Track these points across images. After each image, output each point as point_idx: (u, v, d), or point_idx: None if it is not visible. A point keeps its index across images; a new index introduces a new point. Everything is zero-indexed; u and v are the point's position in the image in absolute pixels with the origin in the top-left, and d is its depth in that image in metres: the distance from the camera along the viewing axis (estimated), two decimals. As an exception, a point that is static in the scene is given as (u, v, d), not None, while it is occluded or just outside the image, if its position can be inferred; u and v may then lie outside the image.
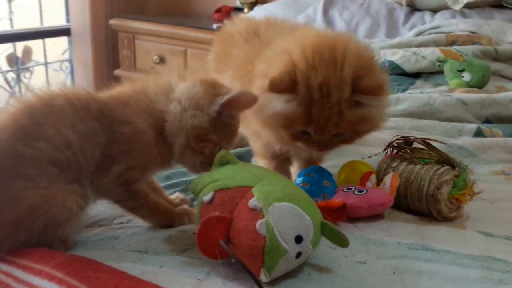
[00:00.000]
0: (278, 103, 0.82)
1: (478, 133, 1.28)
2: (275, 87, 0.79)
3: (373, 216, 0.86)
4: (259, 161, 1.01)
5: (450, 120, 1.36)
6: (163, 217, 0.83)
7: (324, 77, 0.79)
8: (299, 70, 0.80)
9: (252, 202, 0.67)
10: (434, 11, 2.02)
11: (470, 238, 0.80)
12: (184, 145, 0.81)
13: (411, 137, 0.92)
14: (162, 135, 0.81)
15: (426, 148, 0.89)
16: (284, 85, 0.79)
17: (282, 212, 0.67)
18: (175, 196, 0.93)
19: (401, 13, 2.02)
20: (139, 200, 0.81)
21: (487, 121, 1.38)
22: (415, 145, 0.93)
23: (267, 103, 0.82)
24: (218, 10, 2.77)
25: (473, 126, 1.30)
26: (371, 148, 1.13)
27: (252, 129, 0.92)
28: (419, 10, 2.04)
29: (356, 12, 2.04)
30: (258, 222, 0.65)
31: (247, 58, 0.93)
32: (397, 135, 0.94)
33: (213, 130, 0.80)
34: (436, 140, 0.90)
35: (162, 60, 2.64)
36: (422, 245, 0.77)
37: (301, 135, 0.84)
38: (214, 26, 2.56)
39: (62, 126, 0.73)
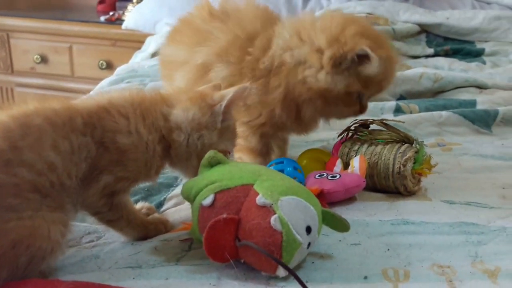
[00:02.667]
0: (368, 68, 0.88)
1: (398, 110, 1.38)
2: (375, 51, 0.87)
3: (346, 199, 0.89)
4: (251, 159, 1.00)
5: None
6: (139, 229, 0.80)
7: (388, 44, 0.93)
8: (375, 36, 0.91)
9: (260, 199, 0.67)
10: (331, -5, 2.12)
11: (439, 208, 0.87)
12: (198, 166, 0.77)
13: (369, 120, 0.97)
14: (166, 152, 0.78)
15: (385, 129, 0.95)
16: (380, 51, 0.88)
17: (290, 205, 0.67)
18: (141, 205, 0.88)
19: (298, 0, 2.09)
20: (119, 212, 0.76)
21: (401, 97, 1.49)
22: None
23: (337, 74, 0.89)
24: (102, 1, 2.62)
25: (392, 104, 1.40)
26: (315, 134, 1.18)
27: (258, 121, 0.96)
28: (314, -5, 2.13)
29: (256, 0, 2.06)
30: (272, 218, 0.65)
31: (236, 42, 0.94)
32: (355, 119, 0.99)
33: (220, 140, 0.79)
34: (394, 120, 0.96)
35: (44, 60, 2.44)
36: (402, 220, 0.83)
37: (355, 102, 0.93)
38: (102, 18, 2.42)
39: (43, 149, 0.66)
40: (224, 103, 0.78)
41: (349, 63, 0.88)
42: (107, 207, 0.75)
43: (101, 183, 0.72)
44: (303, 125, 0.97)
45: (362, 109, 0.95)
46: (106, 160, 0.72)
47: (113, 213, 0.76)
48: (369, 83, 0.90)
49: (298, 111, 0.94)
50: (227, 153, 0.81)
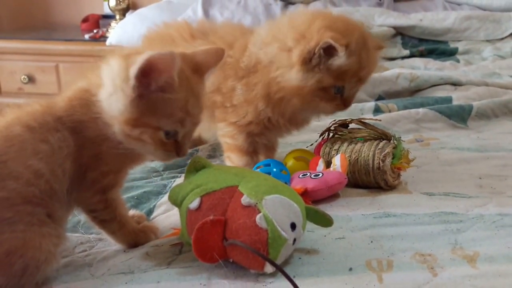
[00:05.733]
0: (336, 60, 0.89)
1: (377, 110, 1.42)
2: (339, 41, 0.87)
3: (330, 196, 0.92)
4: (239, 157, 1.03)
5: (348, 101, 1.49)
6: (130, 235, 0.81)
7: (359, 30, 0.93)
8: (341, 28, 0.91)
9: (245, 199, 0.69)
10: (307, 3, 2.16)
11: (419, 200, 0.90)
12: (123, 135, 0.70)
13: (347, 120, 1.01)
14: None
15: (364, 127, 0.98)
16: (343, 39, 0.88)
17: (274, 203, 0.70)
18: (132, 214, 0.90)
19: (277, 8, 2.13)
20: (114, 211, 0.78)
21: (380, 98, 1.54)
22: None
23: (308, 71, 0.90)
24: (85, 20, 2.65)
25: (372, 104, 1.45)
26: (297, 136, 1.21)
27: (246, 119, 0.98)
28: (292, 3, 2.17)
29: (236, 11, 2.10)
30: (257, 216, 0.68)
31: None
32: (334, 120, 1.02)
33: (146, 112, 0.68)
34: (371, 119, 0.99)
35: (31, 80, 2.45)
36: (384, 213, 0.86)
37: (335, 96, 0.93)
38: (86, 36, 2.44)
39: (27, 158, 0.68)
40: (135, 68, 0.65)
41: (318, 59, 0.89)
42: (102, 204, 0.76)
43: (88, 178, 0.73)
44: (292, 120, 1.00)
45: (346, 103, 0.95)
46: (86, 156, 0.72)
47: (107, 211, 0.77)
48: (344, 75, 0.91)
49: (282, 107, 0.96)
50: (158, 130, 0.70)
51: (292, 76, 0.91)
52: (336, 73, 0.90)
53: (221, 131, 1.03)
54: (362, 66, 0.92)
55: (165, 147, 0.72)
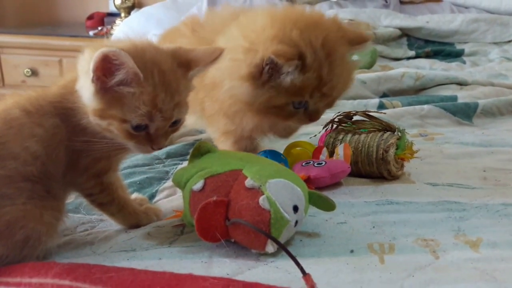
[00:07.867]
0: (287, 76, 0.78)
1: (381, 106, 1.42)
2: (283, 56, 0.75)
3: (333, 184, 0.92)
4: None
5: (352, 98, 1.49)
6: (131, 216, 0.81)
7: (323, 36, 0.79)
8: (294, 37, 0.77)
9: (249, 182, 0.69)
10: (312, 3, 2.17)
11: (422, 189, 0.90)
12: (96, 125, 0.71)
13: (352, 112, 1.01)
14: None
15: (368, 120, 0.98)
16: (291, 52, 0.75)
17: (277, 186, 0.70)
18: (135, 197, 0.90)
19: (283, 7, 2.14)
20: (111, 194, 0.78)
21: (384, 95, 1.54)
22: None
23: (257, 88, 0.79)
24: (90, 17, 2.67)
25: (376, 101, 1.44)
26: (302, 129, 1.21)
27: (221, 130, 0.95)
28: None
29: (242, 10, 2.11)
30: (260, 198, 0.68)
31: None
32: (338, 112, 1.02)
33: (111, 104, 0.68)
34: (376, 111, 0.99)
35: (34, 73, 2.48)
36: (386, 200, 0.86)
37: (296, 111, 0.83)
38: (91, 33, 2.46)
39: (25, 140, 0.69)
40: (92, 62, 0.66)
41: (268, 74, 0.79)
42: (98, 188, 0.77)
43: (81, 164, 0.74)
44: (264, 131, 0.93)
45: (312, 117, 0.85)
46: (77, 143, 0.72)
47: (104, 195, 0.78)
48: (301, 91, 0.80)
49: (239, 120, 0.88)
50: (124, 123, 0.69)
51: (242, 90, 0.81)
52: (291, 89, 0.79)
53: (211, 135, 1.03)
54: (323, 82, 0.80)
55: (137, 140, 0.71)
